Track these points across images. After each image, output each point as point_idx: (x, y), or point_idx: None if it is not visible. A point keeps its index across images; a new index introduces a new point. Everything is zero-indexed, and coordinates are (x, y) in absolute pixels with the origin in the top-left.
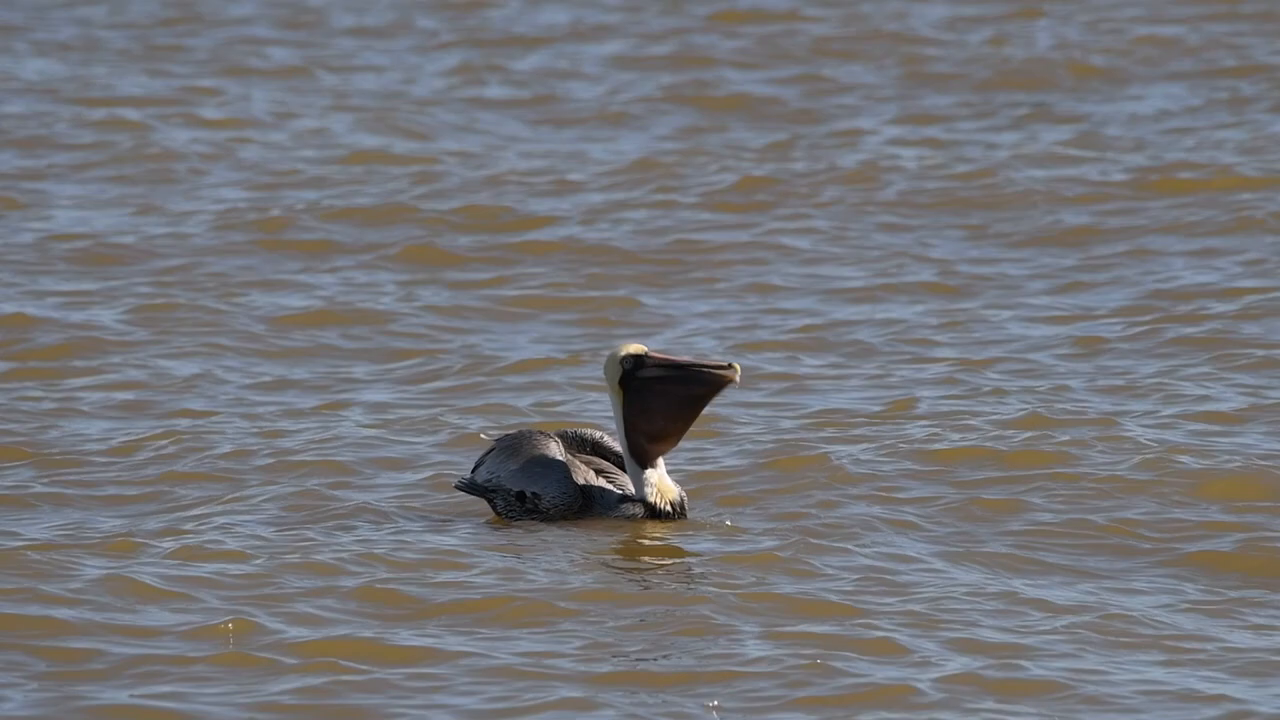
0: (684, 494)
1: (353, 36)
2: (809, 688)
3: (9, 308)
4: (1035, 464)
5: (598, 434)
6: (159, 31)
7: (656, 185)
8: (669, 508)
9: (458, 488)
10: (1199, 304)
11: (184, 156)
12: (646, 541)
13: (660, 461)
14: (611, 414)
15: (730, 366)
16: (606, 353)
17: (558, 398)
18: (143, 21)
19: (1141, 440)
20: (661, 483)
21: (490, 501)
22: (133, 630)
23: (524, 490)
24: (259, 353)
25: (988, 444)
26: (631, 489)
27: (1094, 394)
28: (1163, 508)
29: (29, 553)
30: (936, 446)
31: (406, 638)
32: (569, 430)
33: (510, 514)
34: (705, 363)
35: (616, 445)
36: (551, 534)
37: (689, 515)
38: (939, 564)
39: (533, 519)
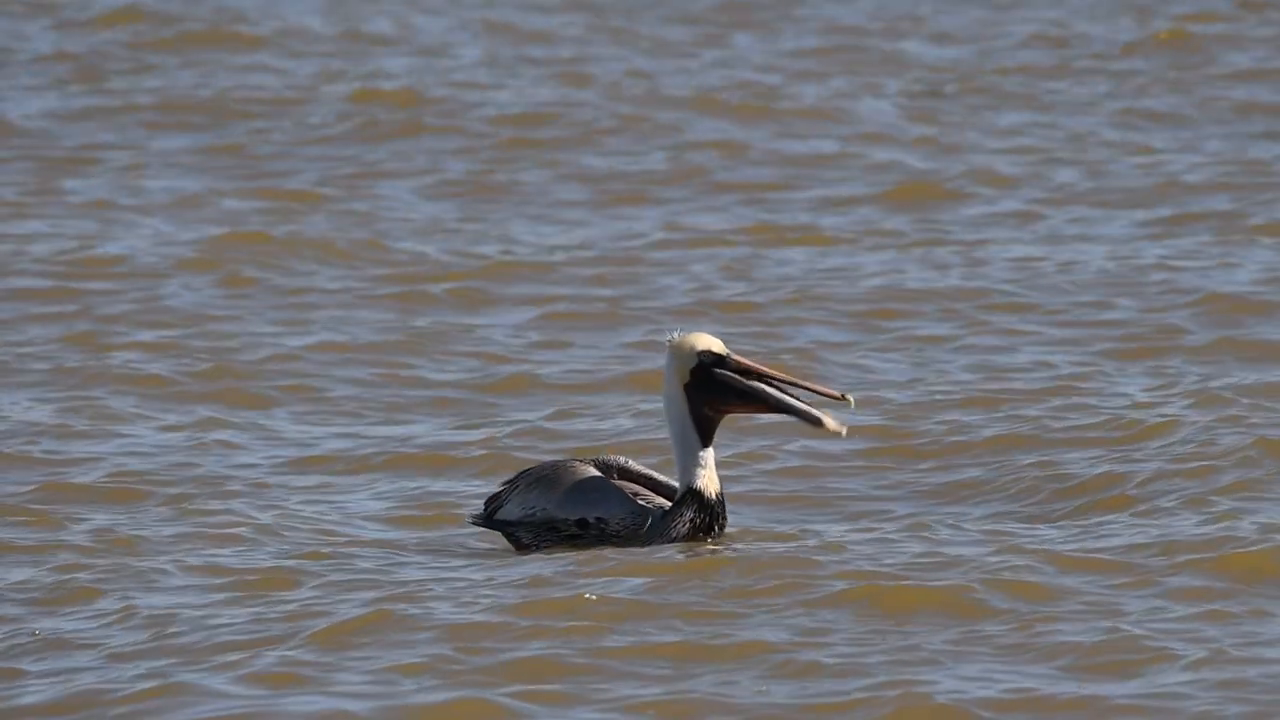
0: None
1: None
2: None
3: None
4: None
5: (622, 459)
6: None
7: None
8: (715, 497)
9: (474, 523)
10: None
11: None
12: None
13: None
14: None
15: (843, 398)
16: (675, 335)
17: None
18: None
19: None
20: (712, 471)
21: (511, 536)
22: None
23: (585, 517)
24: None
25: None
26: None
27: None
28: None
29: None
30: None
31: None
32: (595, 457)
33: (541, 544)
34: (810, 386)
35: (642, 469)
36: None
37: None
38: None
39: (558, 544)
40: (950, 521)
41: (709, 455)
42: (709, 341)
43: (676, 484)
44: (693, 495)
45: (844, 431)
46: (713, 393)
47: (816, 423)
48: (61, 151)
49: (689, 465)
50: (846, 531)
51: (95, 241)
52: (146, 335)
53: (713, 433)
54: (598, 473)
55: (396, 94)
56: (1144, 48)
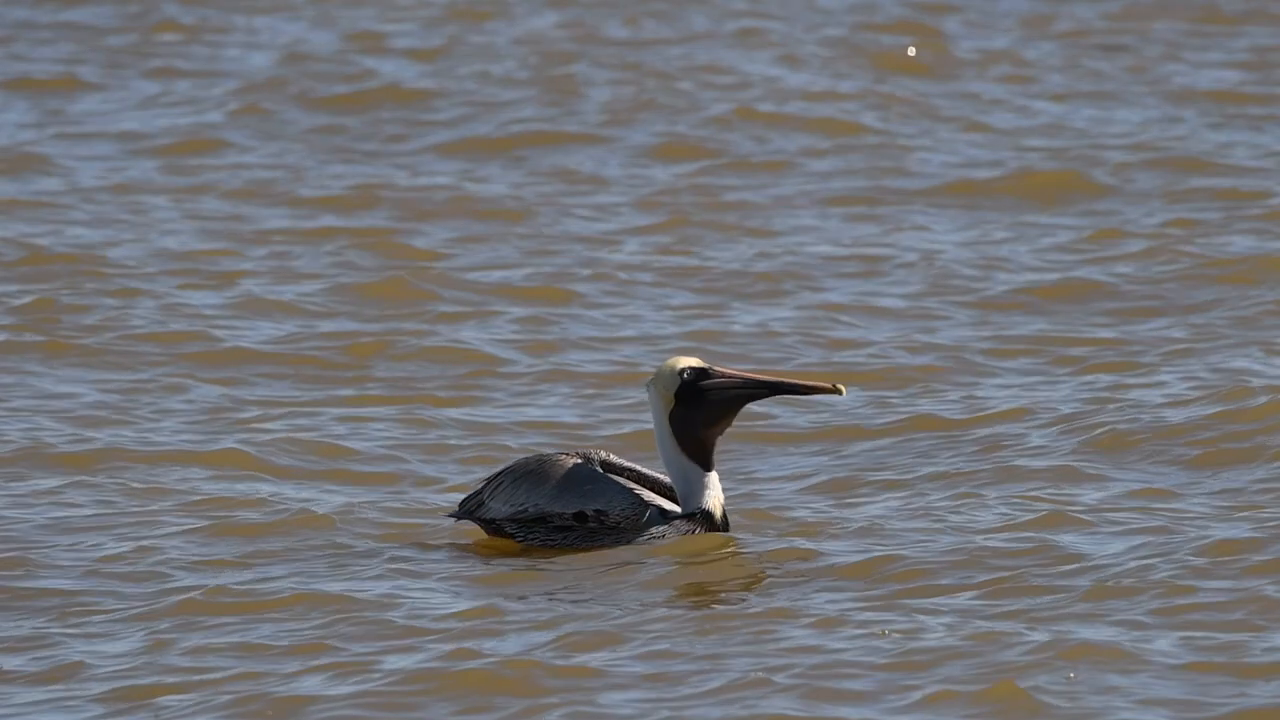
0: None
1: None
2: None
3: None
4: None
5: (604, 453)
6: None
7: None
8: (722, 518)
9: (455, 518)
10: None
11: None
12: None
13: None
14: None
15: (835, 388)
16: (655, 367)
17: None
18: None
19: None
20: (717, 492)
21: (496, 529)
22: None
23: (583, 509)
24: None
25: None
26: (661, 504)
27: None
28: None
29: None
30: None
31: None
32: (577, 451)
33: (529, 540)
34: (802, 383)
35: (626, 462)
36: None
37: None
38: None
39: (554, 542)
40: (959, 510)
41: (713, 478)
42: (688, 360)
43: (660, 476)
44: (703, 515)
45: (844, 390)
46: (704, 406)
47: (812, 390)
48: None
49: (694, 492)
50: (853, 522)
51: (122, 227)
52: (146, 325)
53: (710, 455)
54: (586, 463)
55: (413, 88)
56: None
